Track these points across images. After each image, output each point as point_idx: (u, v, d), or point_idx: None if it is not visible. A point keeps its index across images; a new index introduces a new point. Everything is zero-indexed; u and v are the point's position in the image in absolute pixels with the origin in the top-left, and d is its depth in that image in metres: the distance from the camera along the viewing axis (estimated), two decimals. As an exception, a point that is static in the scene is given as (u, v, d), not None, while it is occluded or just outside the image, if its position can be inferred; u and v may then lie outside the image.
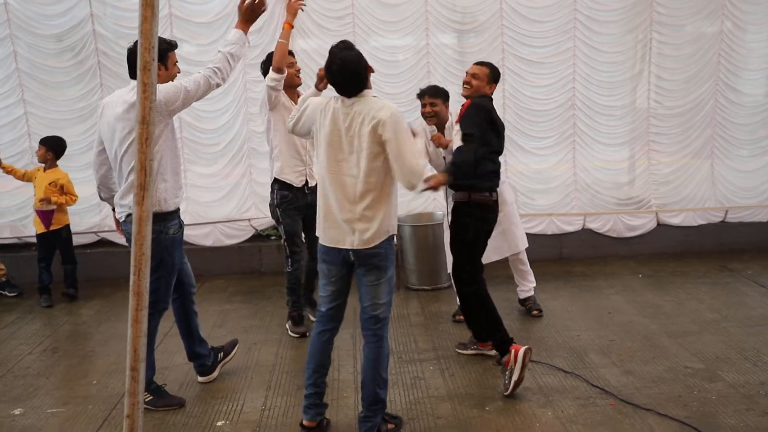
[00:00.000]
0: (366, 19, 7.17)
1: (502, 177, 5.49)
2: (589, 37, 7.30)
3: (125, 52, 6.92)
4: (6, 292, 6.85)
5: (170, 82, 4.16)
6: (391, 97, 7.22)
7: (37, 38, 7.04)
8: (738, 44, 7.41)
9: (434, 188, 4.19)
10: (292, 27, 5.21)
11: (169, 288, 4.35)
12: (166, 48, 4.19)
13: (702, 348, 5.02)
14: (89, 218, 7.41)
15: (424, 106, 5.29)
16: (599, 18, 7.29)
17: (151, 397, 4.33)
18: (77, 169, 7.29)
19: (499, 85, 5.01)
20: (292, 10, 5.17)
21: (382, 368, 3.87)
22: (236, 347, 4.97)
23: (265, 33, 7.04)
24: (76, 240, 7.39)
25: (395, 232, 3.83)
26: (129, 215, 4.11)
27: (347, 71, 3.61)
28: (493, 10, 7.20)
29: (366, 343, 3.90)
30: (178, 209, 4.29)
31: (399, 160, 3.58)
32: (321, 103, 3.76)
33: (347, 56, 3.63)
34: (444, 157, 5.36)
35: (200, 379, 4.77)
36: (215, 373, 4.79)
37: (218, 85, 4.26)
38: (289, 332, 5.61)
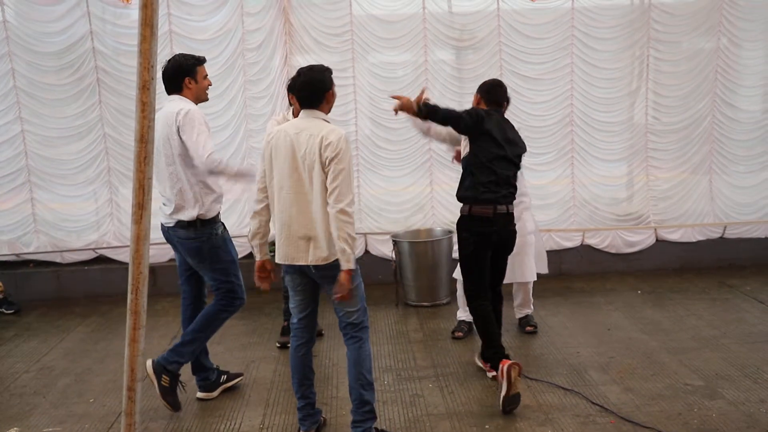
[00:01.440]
0: (365, 35, 7.19)
1: (526, 204, 5.51)
2: (586, 53, 7.32)
3: (125, 69, 7.01)
4: (3, 310, 6.82)
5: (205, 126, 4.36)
6: (390, 114, 7.19)
7: (35, 56, 7.02)
8: (734, 61, 7.43)
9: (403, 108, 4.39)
10: None
11: (240, 282, 4.66)
12: (194, 63, 4.47)
13: (702, 365, 5.01)
14: (87, 235, 7.39)
15: None
16: (596, 35, 7.31)
17: (169, 382, 4.41)
18: (75, 187, 7.29)
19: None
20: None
21: (364, 369, 3.93)
22: (240, 379, 4.97)
23: (265, 49, 7.07)
24: (75, 257, 7.38)
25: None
26: (179, 221, 4.41)
27: (309, 82, 3.82)
28: (491, 27, 7.23)
29: (347, 348, 3.99)
30: (219, 213, 4.59)
31: (335, 180, 3.68)
32: (270, 136, 3.86)
33: (319, 69, 3.88)
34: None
35: (199, 394, 4.76)
36: (215, 393, 4.77)
37: (212, 165, 4.29)
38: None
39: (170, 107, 4.35)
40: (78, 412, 4.62)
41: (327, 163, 3.66)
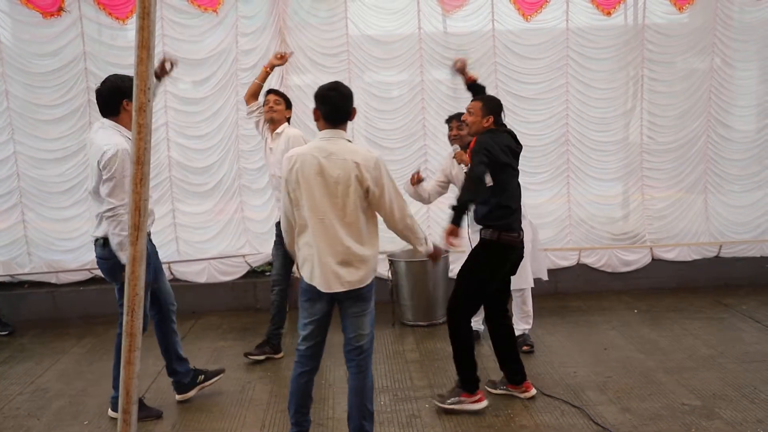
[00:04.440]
0: (360, 56, 7.23)
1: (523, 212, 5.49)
2: (581, 73, 7.37)
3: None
4: (-2, 331, 6.78)
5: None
6: (386, 134, 7.27)
7: (28, 76, 7.00)
8: (728, 81, 7.50)
9: (450, 244, 4.35)
10: (269, 72, 5.76)
11: (146, 312, 4.45)
12: (132, 85, 4.36)
13: (699, 385, 4.99)
14: (82, 256, 7.34)
15: (451, 129, 5.59)
16: (591, 55, 7.37)
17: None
18: (65, 208, 7.24)
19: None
20: (277, 62, 5.70)
21: (367, 400, 3.88)
22: (220, 376, 5.00)
23: (259, 69, 7.05)
24: (70, 277, 7.35)
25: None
26: (96, 240, 4.41)
27: (345, 96, 3.76)
28: (486, 48, 7.27)
29: (350, 375, 3.93)
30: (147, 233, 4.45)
31: (391, 200, 3.76)
32: (293, 160, 3.72)
33: (346, 88, 3.81)
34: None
35: (177, 396, 4.85)
36: (191, 393, 4.85)
37: (113, 215, 4.23)
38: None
39: (99, 141, 4.26)
40: (72, 435, 4.58)
41: (371, 185, 3.64)
